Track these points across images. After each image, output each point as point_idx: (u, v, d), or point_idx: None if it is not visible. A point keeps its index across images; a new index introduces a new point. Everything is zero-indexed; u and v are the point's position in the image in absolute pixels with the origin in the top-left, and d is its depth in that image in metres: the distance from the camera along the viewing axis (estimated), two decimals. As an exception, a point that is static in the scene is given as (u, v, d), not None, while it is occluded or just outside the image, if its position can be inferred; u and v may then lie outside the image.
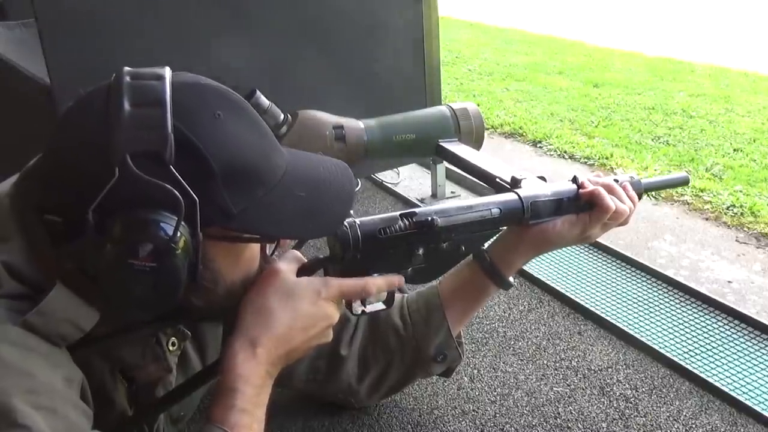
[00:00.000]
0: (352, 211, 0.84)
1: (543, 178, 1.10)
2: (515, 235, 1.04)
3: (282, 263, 0.82)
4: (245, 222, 0.71)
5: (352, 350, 1.14)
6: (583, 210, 1.04)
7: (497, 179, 1.12)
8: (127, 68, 0.70)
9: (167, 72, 0.70)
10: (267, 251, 0.82)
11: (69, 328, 0.67)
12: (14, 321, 0.64)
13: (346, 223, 0.86)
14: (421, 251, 0.92)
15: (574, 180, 1.05)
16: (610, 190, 1.04)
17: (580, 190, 1.03)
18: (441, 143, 1.32)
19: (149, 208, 0.64)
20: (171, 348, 0.86)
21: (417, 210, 0.92)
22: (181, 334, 0.88)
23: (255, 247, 0.79)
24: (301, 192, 0.76)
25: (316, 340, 0.82)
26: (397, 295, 1.10)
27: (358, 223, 0.88)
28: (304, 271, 0.84)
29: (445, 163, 2.32)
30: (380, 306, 0.95)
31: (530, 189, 1.03)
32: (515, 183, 1.07)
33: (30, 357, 0.63)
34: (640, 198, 1.11)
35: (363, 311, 0.92)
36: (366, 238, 0.87)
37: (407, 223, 0.91)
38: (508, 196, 1.01)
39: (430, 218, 0.90)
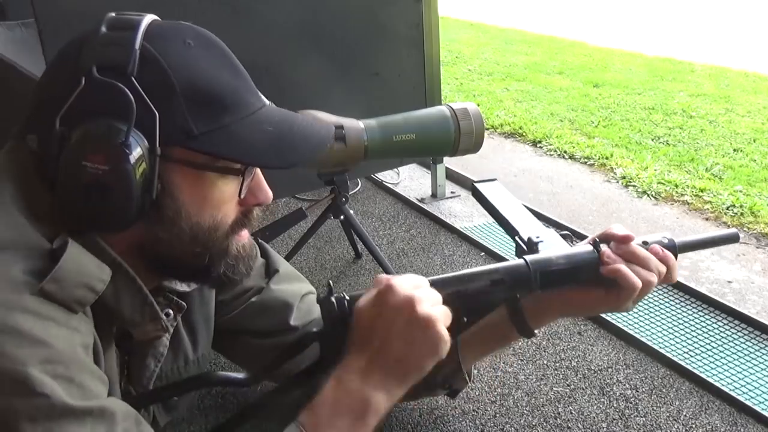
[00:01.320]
0: (345, 293, 0.83)
1: (569, 236, 1.02)
2: (546, 296, 0.98)
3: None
4: (205, 144, 0.71)
5: None
6: (610, 282, 0.94)
7: (516, 237, 1.06)
8: None
9: (152, 15, 0.74)
10: (241, 195, 0.79)
11: (84, 292, 0.68)
12: (31, 289, 0.64)
13: (333, 298, 0.82)
14: None
15: (595, 245, 0.96)
16: (633, 259, 0.93)
17: (602, 268, 0.93)
18: (476, 184, 1.24)
19: (107, 115, 0.67)
20: (166, 318, 0.86)
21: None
22: (175, 304, 0.87)
23: (224, 192, 0.76)
24: (269, 127, 0.76)
25: (422, 345, 0.77)
26: None
27: (347, 297, 0.83)
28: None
29: (446, 163, 2.32)
30: None
31: (543, 254, 0.96)
32: (531, 246, 0.99)
33: (47, 326, 0.63)
34: (675, 257, 0.99)
35: None
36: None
37: None
38: (515, 263, 0.94)
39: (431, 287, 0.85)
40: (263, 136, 0.75)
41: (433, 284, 0.85)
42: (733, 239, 1.06)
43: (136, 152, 0.67)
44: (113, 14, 0.73)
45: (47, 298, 0.64)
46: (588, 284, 0.96)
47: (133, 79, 0.67)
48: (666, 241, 1.00)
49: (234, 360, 1.18)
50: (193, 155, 0.71)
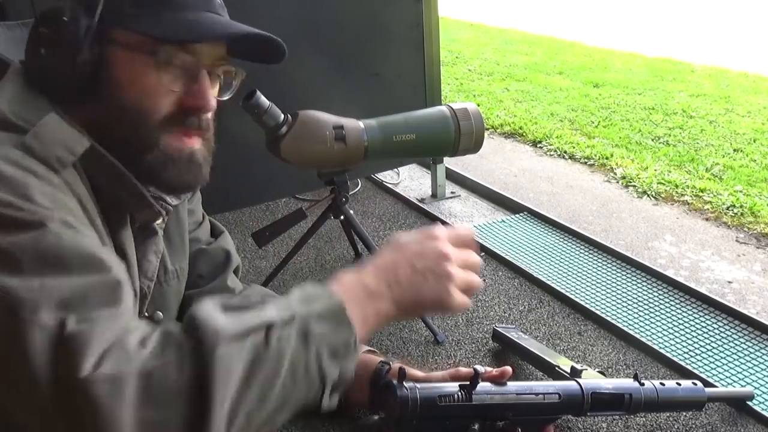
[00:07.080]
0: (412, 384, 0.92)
1: (602, 373, 1.13)
2: None
3: None
4: (138, 26, 0.78)
5: None
6: (636, 411, 1.06)
7: (557, 368, 1.17)
8: None
9: None
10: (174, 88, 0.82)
11: (63, 151, 0.74)
12: (14, 142, 0.71)
13: (406, 386, 0.90)
14: (476, 426, 0.94)
15: (635, 377, 1.07)
16: None
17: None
18: (497, 328, 1.38)
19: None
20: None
21: (479, 385, 0.94)
22: (163, 208, 0.91)
23: (156, 81, 0.80)
24: (191, 17, 0.82)
25: (431, 276, 0.77)
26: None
27: (419, 387, 0.91)
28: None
29: (446, 163, 2.32)
30: None
31: (591, 380, 1.06)
32: (575, 373, 1.10)
33: (27, 176, 0.69)
34: (700, 408, 1.14)
35: None
36: (424, 403, 0.91)
37: (465, 395, 0.93)
38: (569, 384, 1.03)
39: (487, 395, 0.94)
40: (188, 23, 0.81)
41: (497, 391, 0.95)
42: (748, 398, 1.21)
43: (82, 25, 0.77)
44: None
45: (28, 153, 0.71)
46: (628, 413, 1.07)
47: None
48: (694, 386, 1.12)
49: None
50: (129, 37, 0.79)
